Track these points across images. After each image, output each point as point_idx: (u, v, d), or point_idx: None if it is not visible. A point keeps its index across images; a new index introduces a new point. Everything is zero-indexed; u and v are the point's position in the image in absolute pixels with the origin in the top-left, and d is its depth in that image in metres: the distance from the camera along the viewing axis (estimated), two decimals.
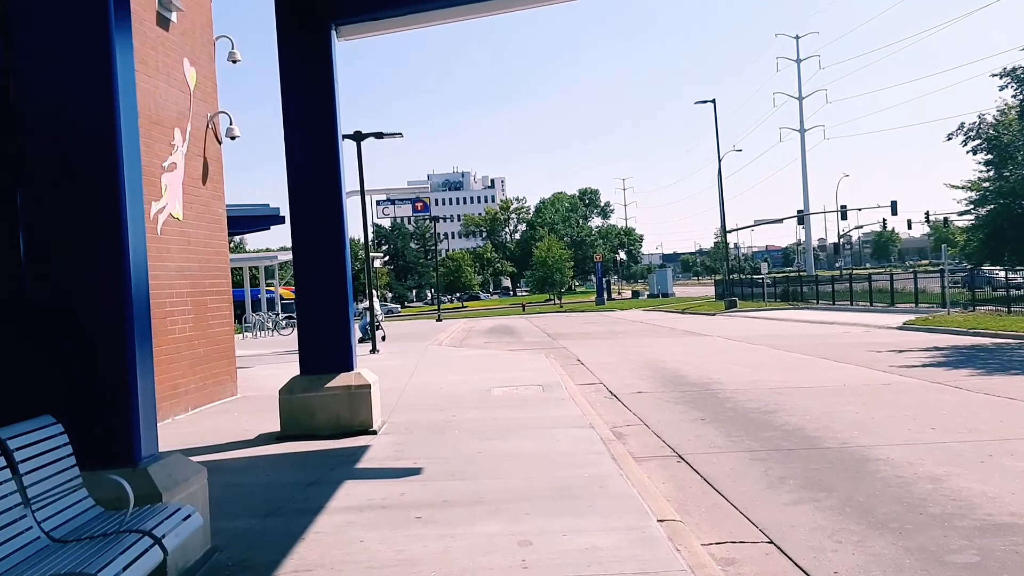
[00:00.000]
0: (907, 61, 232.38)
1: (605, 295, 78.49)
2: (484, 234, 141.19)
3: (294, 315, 15.30)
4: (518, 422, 10.99)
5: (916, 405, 11.84)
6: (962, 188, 43.10)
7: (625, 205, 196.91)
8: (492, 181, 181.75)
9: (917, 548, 5.83)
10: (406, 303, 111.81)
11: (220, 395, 14.40)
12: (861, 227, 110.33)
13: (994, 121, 41.43)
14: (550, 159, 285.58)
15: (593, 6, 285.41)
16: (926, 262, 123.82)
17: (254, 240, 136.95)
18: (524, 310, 72.64)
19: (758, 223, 76.95)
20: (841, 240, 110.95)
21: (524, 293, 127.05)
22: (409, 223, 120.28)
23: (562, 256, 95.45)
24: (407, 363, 20.85)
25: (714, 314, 45.87)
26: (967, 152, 41.99)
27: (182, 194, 13.39)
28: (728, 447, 9.69)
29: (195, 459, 9.48)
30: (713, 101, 53.72)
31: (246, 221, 24.20)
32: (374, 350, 25.37)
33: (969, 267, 40.36)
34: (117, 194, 5.32)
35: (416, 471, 8.27)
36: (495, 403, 12.94)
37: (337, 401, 10.45)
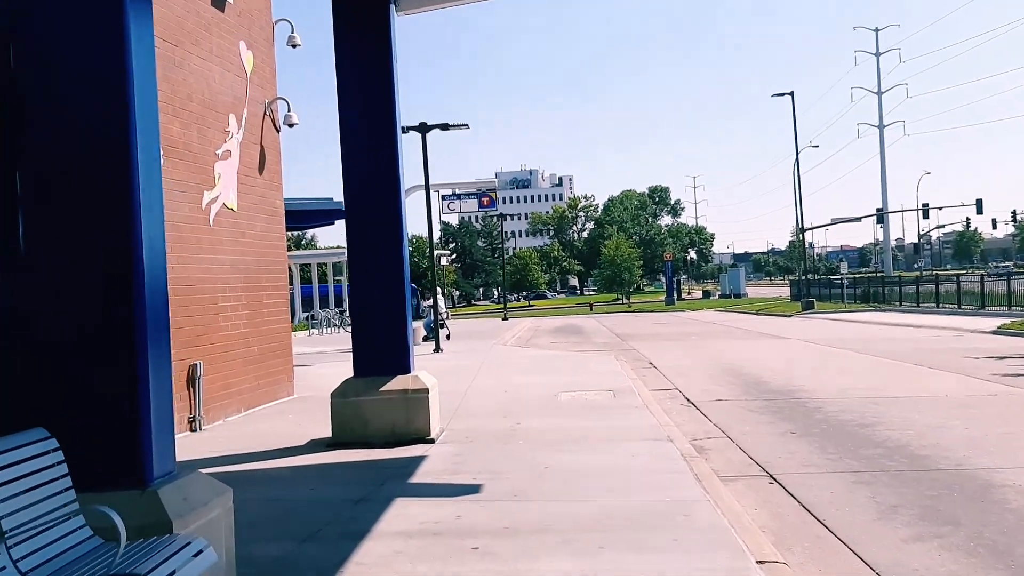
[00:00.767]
0: (992, 53, 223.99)
1: (675, 295, 76.86)
2: (551, 232, 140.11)
3: None
4: (588, 432, 10.06)
5: None
6: None
7: (696, 203, 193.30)
8: (560, 179, 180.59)
9: None
10: (473, 301, 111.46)
11: (276, 395, 13.76)
12: (943, 226, 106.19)
13: None
14: (619, 156, 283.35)
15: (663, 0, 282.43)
16: (1010, 263, 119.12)
17: (325, 236, 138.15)
18: (592, 309, 71.43)
19: (835, 221, 74.48)
20: (921, 240, 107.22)
21: (591, 292, 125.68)
22: (477, 221, 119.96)
23: (631, 255, 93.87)
24: (471, 363, 20.06)
25: (790, 315, 44.18)
26: None
27: (237, 184, 12.77)
28: (825, 466, 8.62)
29: (238, 468, 8.82)
30: (791, 93, 51.90)
31: (309, 215, 23.68)
32: (438, 349, 24.66)
33: None
34: (126, 182, 4.55)
35: (475, 488, 7.40)
36: (563, 409, 12.03)
37: (392, 406, 9.65)
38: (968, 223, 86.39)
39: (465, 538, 5.92)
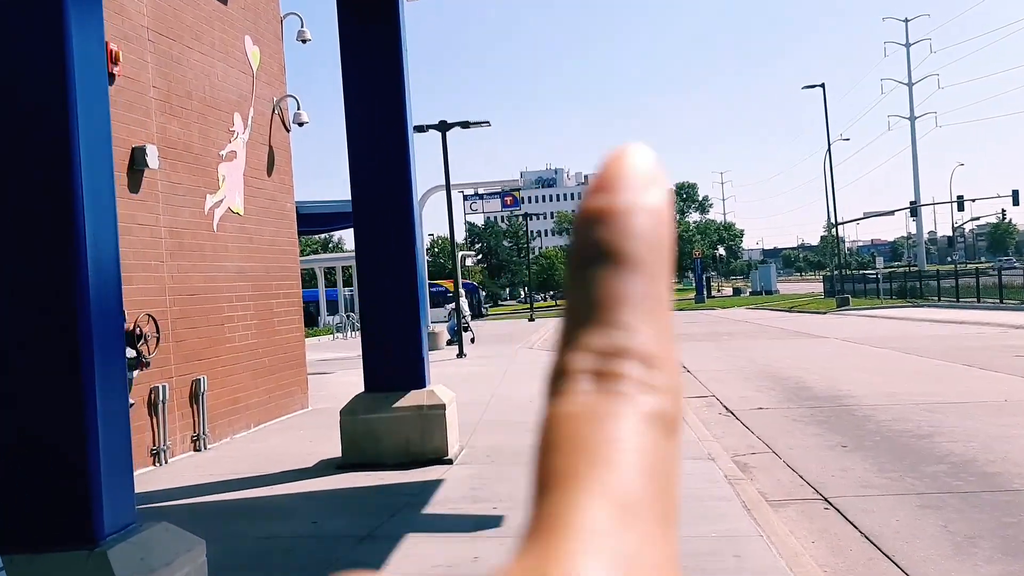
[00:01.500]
0: None
1: (705, 292, 75.64)
2: None
3: None
4: None
5: None
6: None
7: (724, 199, 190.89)
8: (585, 177, 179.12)
9: None
10: (499, 301, 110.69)
11: (288, 408, 13.05)
12: (977, 219, 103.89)
13: None
14: None
15: None
16: None
17: (351, 238, 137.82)
18: None
19: (867, 215, 72.76)
20: (955, 233, 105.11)
21: None
22: (502, 221, 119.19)
23: None
24: (494, 370, 19.27)
25: (825, 312, 43.00)
26: None
27: (243, 186, 12.08)
28: (885, 487, 7.76)
29: (237, 495, 8.07)
30: (823, 85, 50.63)
31: (329, 218, 22.93)
32: (461, 354, 23.89)
33: None
34: (67, 187, 3.82)
35: (495, 521, 6.60)
36: None
37: (406, 424, 8.87)
38: (1004, 215, 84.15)
39: None
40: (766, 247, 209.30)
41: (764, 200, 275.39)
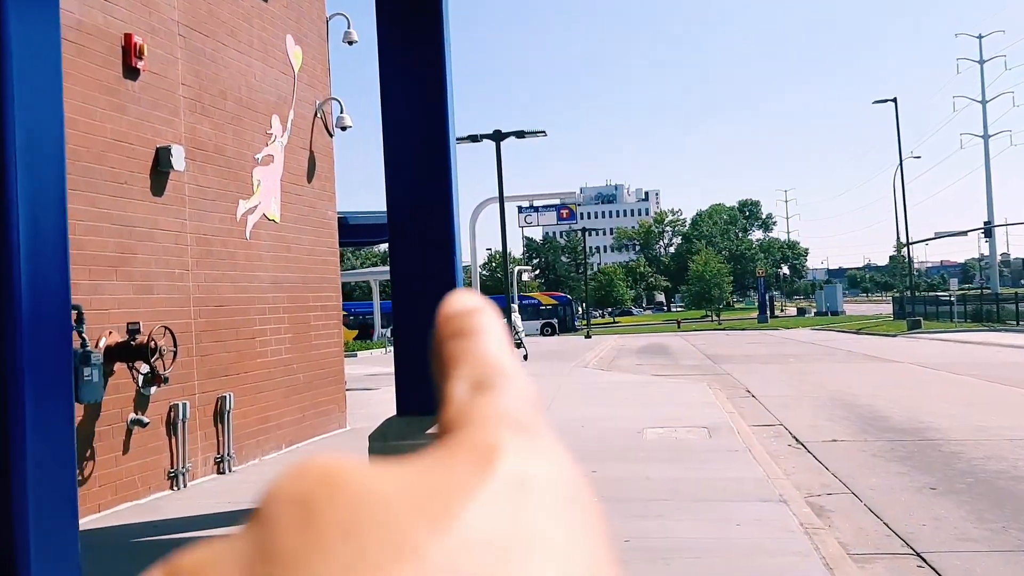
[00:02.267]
0: None
1: (768, 312, 73.77)
2: (637, 247, 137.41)
3: None
4: (679, 485, 8.29)
5: None
6: None
7: (787, 217, 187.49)
8: (646, 194, 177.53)
9: None
10: None
11: (325, 428, 12.33)
12: None
13: None
14: (707, 170, 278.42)
15: (758, 11, 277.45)
16: None
17: None
18: (679, 327, 68.86)
19: (939, 235, 70.27)
20: None
21: (678, 309, 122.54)
22: (561, 236, 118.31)
23: (720, 270, 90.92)
24: (546, 390, 18.39)
25: (895, 335, 41.21)
26: None
27: (280, 192, 11.43)
28: (988, 541, 6.69)
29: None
30: (895, 100, 48.83)
31: (377, 230, 22.34)
32: None
33: None
34: None
35: None
36: (649, 452, 10.27)
37: None
38: None
39: None
40: (831, 267, 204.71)
41: (829, 219, 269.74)
